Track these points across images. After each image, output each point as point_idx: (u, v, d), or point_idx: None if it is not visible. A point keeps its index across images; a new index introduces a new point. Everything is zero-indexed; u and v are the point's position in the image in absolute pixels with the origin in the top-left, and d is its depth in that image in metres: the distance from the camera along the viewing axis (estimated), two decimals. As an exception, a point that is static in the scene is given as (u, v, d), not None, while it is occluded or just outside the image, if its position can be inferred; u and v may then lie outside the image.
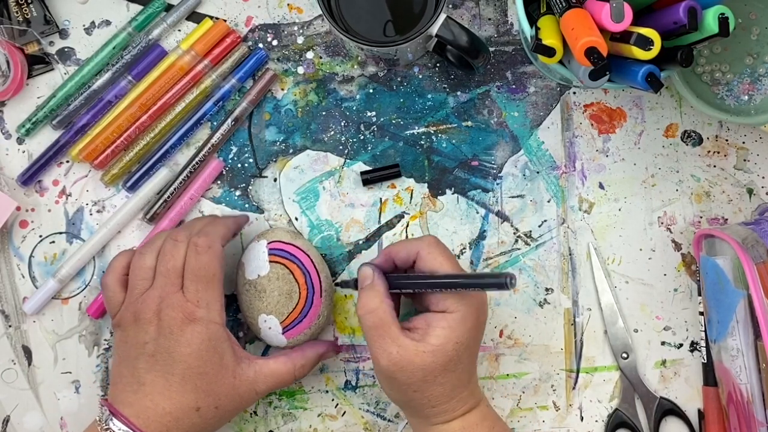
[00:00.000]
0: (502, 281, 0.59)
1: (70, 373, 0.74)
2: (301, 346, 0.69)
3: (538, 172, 0.74)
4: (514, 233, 0.74)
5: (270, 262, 0.69)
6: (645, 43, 0.57)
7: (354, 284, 0.67)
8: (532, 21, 0.64)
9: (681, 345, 0.74)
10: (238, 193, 0.74)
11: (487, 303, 0.65)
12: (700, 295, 0.72)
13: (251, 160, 0.74)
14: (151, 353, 0.63)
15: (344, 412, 0.74)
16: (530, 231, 0.74)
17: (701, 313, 0.72)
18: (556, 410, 0.74)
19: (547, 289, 0.74)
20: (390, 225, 0.74)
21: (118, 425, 0.62)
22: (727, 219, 0.74)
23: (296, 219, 0.74)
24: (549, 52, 0.60)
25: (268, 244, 0.69)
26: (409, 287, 0.64)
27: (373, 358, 0.63)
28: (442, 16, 0.65)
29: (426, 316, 0.63)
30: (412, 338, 0.62)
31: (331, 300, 0.71)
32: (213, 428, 0.65)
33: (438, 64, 0.74)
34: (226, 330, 0.65)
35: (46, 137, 0.74)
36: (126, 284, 0.67)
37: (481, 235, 0.74)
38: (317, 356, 0.69)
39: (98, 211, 0.74)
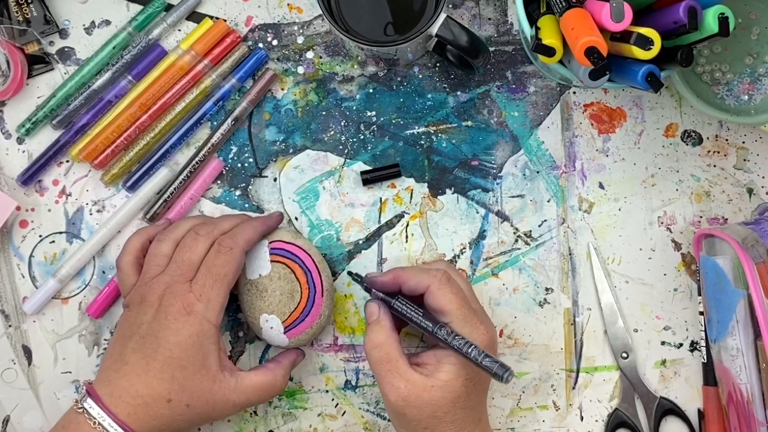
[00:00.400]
0: (499, 372, 0.59)
1: (70, 372, 0.74)
2: (274, 358, 0.70)
3: (538, 172, 0.74)
4: (514, 233, 0.74)
5: (271, 261, 0.69)
6: (645, 42, 0.57)
7: (363, 283, 0.68)
8: (532, 21, 0.64)
9: (681, 345, 0.74)
10: (238, 192, 0.74)
11: (497, 340, 0.65)
12: (700, 294, 0.72)
13: (251, 160, 0.74)
14: (143, 335, 0.64)
15: (344, 412, 0.74)
16: (530, 231, 0.74)
17: (701, 313, 0.72)
18: (556, 410, 0.74)
19: (547, 289, 0.74)
20: (390, 225, 0.74)
21: (90, 404, 0.62)
22: (727, 219, 0.74)
23: (296, 219, 0.74)
24: (549, 51, 0.60)
25: (270, 243, 0.69)
26: (413, 324, 0.65)
27: (382, 394, 0.64)
28: (442, 16, 0.65)
29: (435, 352, 0.64)
30: (421, 373, 0.62)
31: (332, 299, 0.71)
32: (180, 427, 0.65)
33: (438, 64, 0.74)
34: (219, 334, 0.65)
35: (46, 137, 0.74)
36: (139, 266, 0.68)
37: (481, 235, 0.74)
38: (291, 364, 0.70)
39: (98, 211, 0.74)
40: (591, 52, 0.56)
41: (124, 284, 0.68)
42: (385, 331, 0.64)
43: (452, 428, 0.63)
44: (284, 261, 0.69)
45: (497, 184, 0.74)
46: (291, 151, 0.74)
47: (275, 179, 0.74)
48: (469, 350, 0.61)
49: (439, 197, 0.74)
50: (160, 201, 0.73)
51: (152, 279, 0.65)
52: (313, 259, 0.70)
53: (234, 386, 0.65)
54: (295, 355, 0.70)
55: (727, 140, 0.74)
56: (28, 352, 0.74)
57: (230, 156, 0.74)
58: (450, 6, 0.74)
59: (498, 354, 0.73)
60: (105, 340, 0.74)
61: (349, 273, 0.71)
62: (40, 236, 0.74)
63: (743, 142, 0.74)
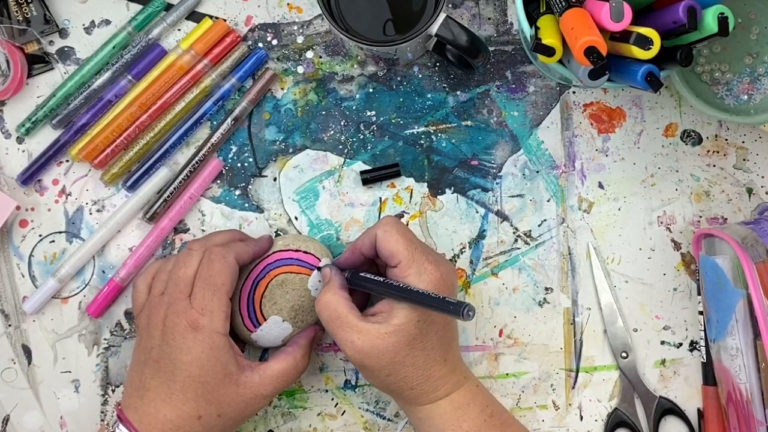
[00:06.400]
0: (458, 309, 0.58)
1: (70, 372, 0.74)
2: (293, 339, 0.70)
3: (537, 172, 0.74)
4: (514, 233, 0.74)
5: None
6: (645, 42, 0.57)
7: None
8: (532, 20, 0.64)
9: (680, 344, 0.74)
10: (237, 192, 0.74)
11: (453, 280, 0.65)
12: (699, 294, 0.72)
13: (251, 160, 0.74)
14: (156, 359, 0.64)
15: (344, 412, 0.74)
16: (530, 230, 0.74)
17: (701, 313, 0.72)
18: (556, 409, 0.74)
19: (546, 289, 0.74)
20: (390, 224, 0.74)
21: (122, 430, 0.63)
22: (726, 218, 0.74)
23: (296, 218, 0.74)
24: (549, 51, 0.60)
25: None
26: (369, 289, 0.65)
27: (341, 350, 0.64)
28: (442, 16, 0.65)
29: (389, 300, 0.64)
30: (375, 321, 0.62)
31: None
32: None
33: (438, 64, 0.74)
34: (229, 340, 0.65)
35: (46, 137, 0.74)
36: None
37: (481, 235, 0.74)
38: (310, 342, 0.69)
39: (98, 211, 0.74)
40: (591, 52, 0.56)
41: (136, 302, 0.68)
42: (332, 290, 0.64)
43: (414, 370, 0.63)
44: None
45: (497, 183, 0.74)
46: (291, 150, 0.74)
47: (275, 179, 0.74)
48: (418, 295, 0.61)
49: (438, 197, 0.74)
50: (160, 200, 0.73)
51: (155, 297, 0.66)
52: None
53: (258, 381, 0.65)
54: (313, 332, 0.70)
55: (726, 140, 0.74)
56: (27, 352, 0.74)
57: (230, 155, 0.74)
58: (450, 6, 0.74)
59: (497, 352, 0.73)
60: (105, 339, 0.74)
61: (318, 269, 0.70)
62: (40, 236, 0.74)
63: (743, 142, 0.74)
